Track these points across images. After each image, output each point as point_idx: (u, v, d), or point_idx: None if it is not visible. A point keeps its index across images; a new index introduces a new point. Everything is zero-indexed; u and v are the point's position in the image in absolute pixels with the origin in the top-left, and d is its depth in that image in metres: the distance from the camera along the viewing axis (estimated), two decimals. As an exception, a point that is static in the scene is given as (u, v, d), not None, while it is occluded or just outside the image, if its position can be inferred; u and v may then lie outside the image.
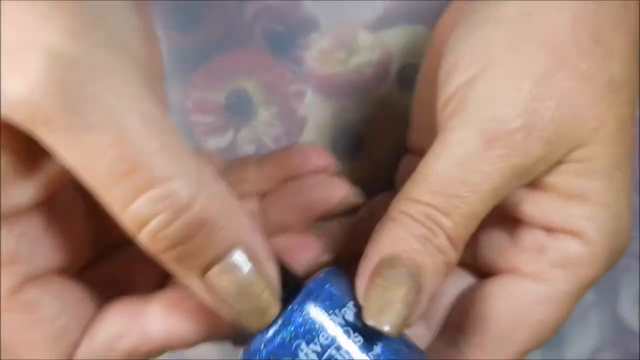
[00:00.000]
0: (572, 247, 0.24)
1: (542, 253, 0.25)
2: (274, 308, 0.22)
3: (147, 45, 0.22)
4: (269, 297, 0.22)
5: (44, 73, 0.19)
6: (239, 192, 0.29)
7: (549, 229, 0.25)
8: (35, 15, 0.19)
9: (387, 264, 0.22)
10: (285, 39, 0.33)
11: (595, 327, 0.36)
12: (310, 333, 0.22)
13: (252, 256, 0.21)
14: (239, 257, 0.21)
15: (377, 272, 0.22)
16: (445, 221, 0.22)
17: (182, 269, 0.21)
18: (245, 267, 0.21)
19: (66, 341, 0.23)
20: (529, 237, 0.25)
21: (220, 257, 0.21)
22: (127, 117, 0.19)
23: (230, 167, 0.30)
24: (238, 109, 0.34)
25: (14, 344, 0.23)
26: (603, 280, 0.25)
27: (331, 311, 0.22)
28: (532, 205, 0.24)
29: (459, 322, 0.26)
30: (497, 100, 0.23)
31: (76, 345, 0.23)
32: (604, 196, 0.24)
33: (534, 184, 0.24)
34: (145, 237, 0.20)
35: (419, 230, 0.23)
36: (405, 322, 0.22)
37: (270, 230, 0.28)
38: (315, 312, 0.22)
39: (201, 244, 0.20)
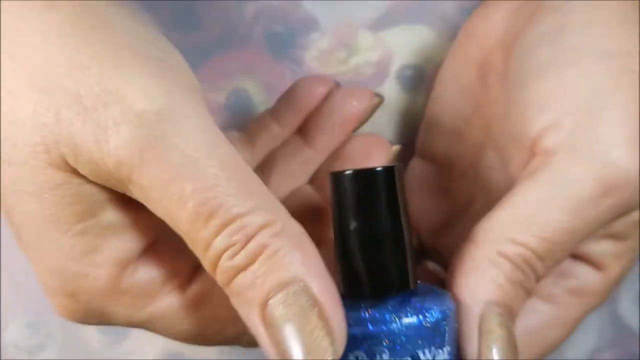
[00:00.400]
0: (592, 278, 0.24)
1: (563, 278, 0.25)
2: (330, 356, 0.20)
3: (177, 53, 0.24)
4: (328, 346, 0.20)
5: (132, 135, 0.20)
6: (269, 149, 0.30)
7: (575, 256, 0.25)
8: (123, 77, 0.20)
9: (488, 309, 0.22)
10: (285, 39, 0.33)
11: (595, 327, 0.36)
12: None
13: (310, 294, 0.20)
14: (300, 289, 0.20)
15: (481, 319, 0.22)
16: (540, 266, 0.22)
17: (243, 303, 0.21)
18: (303, 299, 0.20)
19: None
20: None
21: (281, 287, 0.20)
22: (207, 164, 0.20)
23: (251, 133, 0.31)
24: (238, 109, 0.34)
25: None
26: (603, 281, 0.25)
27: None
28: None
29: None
30: (615, 144, 0.22)
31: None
32: (635, 241, 0.24)
33: None
34: (216, 268, 0.20)
35: (517, 276, 0.22)
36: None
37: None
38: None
39: (263, 272, 0.20)
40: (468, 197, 0.30)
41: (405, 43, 0.34)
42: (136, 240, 0.23)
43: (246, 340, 0.24)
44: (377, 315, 0.21)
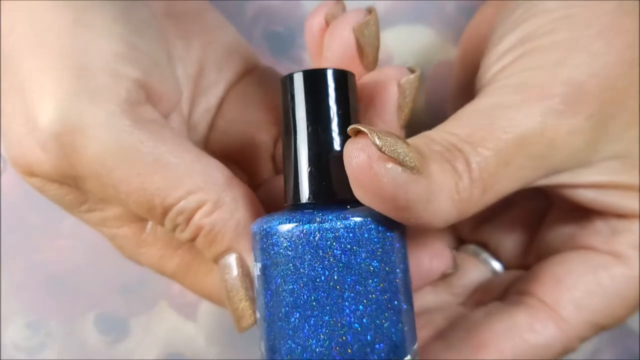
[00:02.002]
0: None
1: (617, 235, 0.25)
2: (248, 320, 0.24)
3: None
4: (246, 309, 0.24)
5: (55, 152, 0.23)
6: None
7: (622, 216, 0.25)
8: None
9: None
10: (285, 39, 0.33)
11: (595, 327, 0.36)
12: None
13: (242, 264, 0.24)
14: (232, 262, 0.24)
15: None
16: (469, 150, 0.22)
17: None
18: (234, 272, 0.24)
19: None
20: (602, 223, 0.26)
21: (218, 259, 0.25)
22: (132, 165, 0.23)
23: None
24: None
25: None
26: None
27: None
28: (607, 197, 0.25)
29: (524, 288, 0.26)
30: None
31: None
32: None
33: (606, 185, 0.24)
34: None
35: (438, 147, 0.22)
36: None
37: None
38: None
39: (204, 246, 0.24)
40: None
41: (405, 43, 0.34)
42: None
43: None
44: (319, 215, 0.22)
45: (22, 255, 0.36)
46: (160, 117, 0.25)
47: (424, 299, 0.29)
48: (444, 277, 0.28)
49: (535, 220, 0.29)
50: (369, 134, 0.20)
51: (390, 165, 0.20)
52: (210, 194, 0.24)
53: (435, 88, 0.34)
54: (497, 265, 0.30)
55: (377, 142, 0.20)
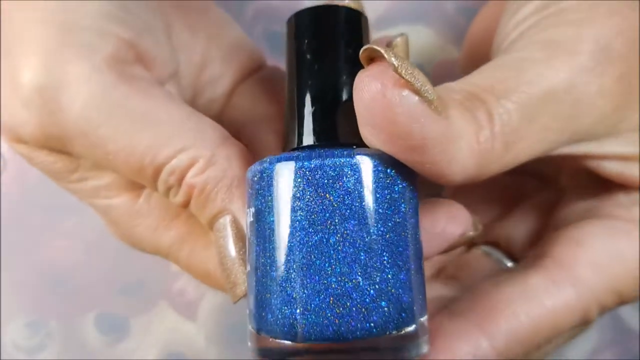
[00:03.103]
0: None
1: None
2: (242, 286, 0.22)
3: None
4: (240, 274, 0.22)
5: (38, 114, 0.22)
6: None
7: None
8: None
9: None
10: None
11: (595, 327, 0.36)
12: None
13: (237, 227, 0.23)
14: (227, 223, 0.23)
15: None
16: (492, 101, 0.20)
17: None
18: (228, 234, 0.23)
19: None
20: (624, 195, 0.25)
21: (213, 221, 0.23)
22: (118, 124, 0.22)
23: None
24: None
25: None
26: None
27: None
28: (633, 169, 0.24)
29: (538, 251, 0.25)
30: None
31: None
32: None
33: (631, 157, 0.23)
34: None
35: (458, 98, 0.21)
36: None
37: None
38: None
39: (198, 208, 0.23)
40: (517, 189, 0.30)
41: (405, 43, 0.34)
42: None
43: None
44: (321, 152, 0.20)
45: (22, 255, 0.36)
46: (150, 76, 0.24)
47: (434, 291, 0.27)
48: (464, 242, 0.25)
49: (546, 211, 0.28)
50: (385, 55, 0.18)
51: (406, 92, 0.18)
52: (202, 151, 0.22)
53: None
54: (510, 264, 0.29)
55: (394, 61, 0.18)
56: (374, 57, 0.19)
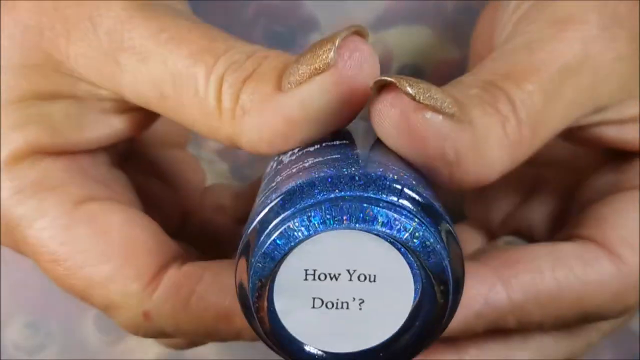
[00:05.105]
0: None
1: None
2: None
3: None
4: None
5: None
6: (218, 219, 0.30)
7: None
8: None
9: None
10: (285, 39, 0.33)
11: (595, 327, 0.36)
12: None
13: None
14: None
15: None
16: (511, 86, 0.20)
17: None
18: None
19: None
20: None
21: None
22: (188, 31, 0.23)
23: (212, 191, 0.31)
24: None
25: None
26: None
27: None
28: None
29: (564, 233, 0.24)
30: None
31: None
32: None
33: None
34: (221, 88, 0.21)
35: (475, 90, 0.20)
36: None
37: None
38: None
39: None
40: (534, 176, 0.29)
41: (405, 43, 0.34)
42: None
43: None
44: None
45: (22, 255, 0.36)
46: None
47: None
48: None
49: (566, 195, 0.28)
50: (398, 83, 0.18)
51: (429, 114, 0.18)
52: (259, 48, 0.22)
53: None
54: None
55: (409, 90, 0.17)
56: (384, 85, 0.18)
